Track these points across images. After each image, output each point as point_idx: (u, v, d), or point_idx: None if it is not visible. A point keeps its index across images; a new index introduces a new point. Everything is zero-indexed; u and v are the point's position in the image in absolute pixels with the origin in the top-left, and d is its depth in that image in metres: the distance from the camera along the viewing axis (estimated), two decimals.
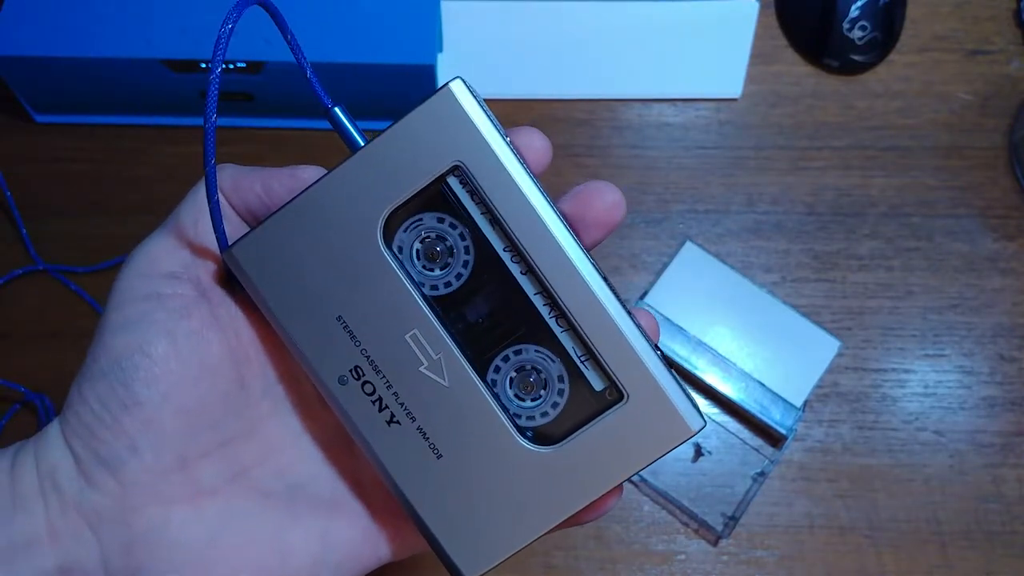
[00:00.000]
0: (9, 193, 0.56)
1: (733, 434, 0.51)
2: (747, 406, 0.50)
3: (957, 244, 0.55)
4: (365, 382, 0.27)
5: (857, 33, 0.58)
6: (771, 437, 0.51)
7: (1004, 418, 0.51)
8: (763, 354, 0.52)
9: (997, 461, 0.50)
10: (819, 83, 0.59)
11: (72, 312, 0.54)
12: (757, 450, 0.51)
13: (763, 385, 0.50)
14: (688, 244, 0.54)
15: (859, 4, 0.57)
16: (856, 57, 0.58)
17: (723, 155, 0.58)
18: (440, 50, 0.56)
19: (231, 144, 0.56)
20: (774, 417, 0.50)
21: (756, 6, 0.57)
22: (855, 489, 0.50)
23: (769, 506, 0.50)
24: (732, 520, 0.48)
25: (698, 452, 0.51)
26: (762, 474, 0.49)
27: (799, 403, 0.50)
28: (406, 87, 0.53)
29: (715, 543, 0.49)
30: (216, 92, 0.26)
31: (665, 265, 0.54)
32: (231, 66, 0.53)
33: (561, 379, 0.27)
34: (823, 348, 0.52)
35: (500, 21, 0.57)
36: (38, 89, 0.56)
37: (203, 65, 0.53)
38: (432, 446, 0.27)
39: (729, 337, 0.52)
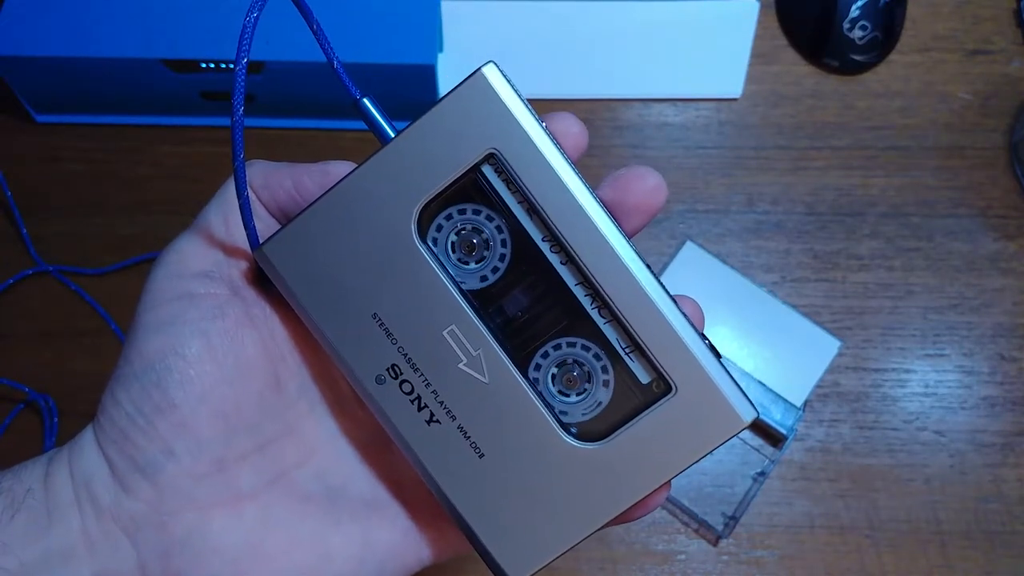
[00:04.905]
0: (9, 193, 0.56)
1: None
2: None
3: (957, 244, 0.55)
4: (403, 381, 0.26)
5: (857, 33, 0.58)
6: (771, 437, 0.51)
7: (1004, 418, 0.51)
8: (763, 354, 0.52)
9: (997, 461, 0.50)
10: (819, 83, 0.59)
11: (75, 313, 0.54)
12: (757, 450, 0.51)
13: (763, 385, 0.50)
14: (688, 244, 0.54)
15: (859, 4, 0.57)
16: (856, 57, 0.58)
17: (723, 155, 0.58)
18: (440, 50, 0.56)
19: (230, 144, 0.56)
20: (774, 417, 0.50)
21: (756, 6, 0.57)
22: (855, 489, 0.50)
23: (769, 506, 0.50)
24: (732, 520, 0.48)
25: None
26: (762, 474, 0.49)
27: (799, 403, 0.50)
28: (406, 87, 0.53)
29: (715, 543, 0.49)
30: (243, 85, 0.25)
31: (665, 265, 0.54)
32: (231, 66, 0.53)
33: (605, 372, 0.26)
34: (823, 348, 0.52)
35: (500, 21, 0.57)
36: (38, 89, 0.56)
37: (203, 65, 0.53)
38: (474, 445, 0.26)
39: (729, 337, 0.52)
